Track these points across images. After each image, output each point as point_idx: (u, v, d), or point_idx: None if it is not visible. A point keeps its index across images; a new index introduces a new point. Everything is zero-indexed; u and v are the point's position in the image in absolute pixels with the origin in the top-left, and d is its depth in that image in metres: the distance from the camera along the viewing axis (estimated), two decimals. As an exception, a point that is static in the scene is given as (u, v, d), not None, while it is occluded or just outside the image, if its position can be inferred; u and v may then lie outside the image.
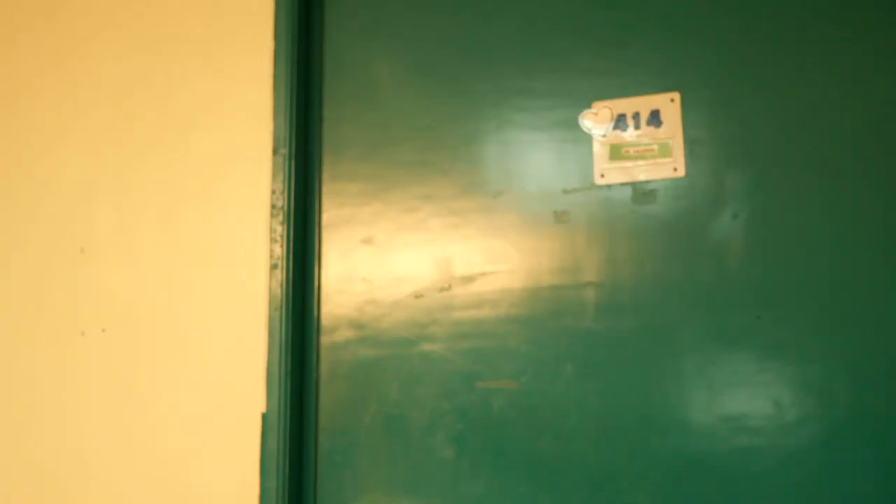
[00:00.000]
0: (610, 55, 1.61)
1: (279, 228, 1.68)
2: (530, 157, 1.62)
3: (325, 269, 1.71)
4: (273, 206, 1.70)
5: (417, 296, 1.62)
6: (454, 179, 1.66)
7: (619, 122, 1.58)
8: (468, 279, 1.61)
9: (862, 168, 1.48)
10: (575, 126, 1.61)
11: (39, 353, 1.80)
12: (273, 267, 1.67)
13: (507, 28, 1.67)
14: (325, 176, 1.74)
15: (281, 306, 1.65)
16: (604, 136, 1.59)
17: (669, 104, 1.56)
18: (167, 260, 1.76)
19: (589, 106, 1.61)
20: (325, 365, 1.67)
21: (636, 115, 1.58)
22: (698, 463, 1.45)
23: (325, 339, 1.68)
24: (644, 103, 1.58)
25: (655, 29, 1.60)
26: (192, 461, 1.67)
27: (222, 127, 1.78)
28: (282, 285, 1.66)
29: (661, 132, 1.56)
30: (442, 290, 1.62)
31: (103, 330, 1.77)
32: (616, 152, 1.58)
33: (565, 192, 1.59)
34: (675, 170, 1.54)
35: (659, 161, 1.56)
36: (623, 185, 1.57)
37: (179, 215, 1.77)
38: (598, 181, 1.58)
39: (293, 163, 1.71)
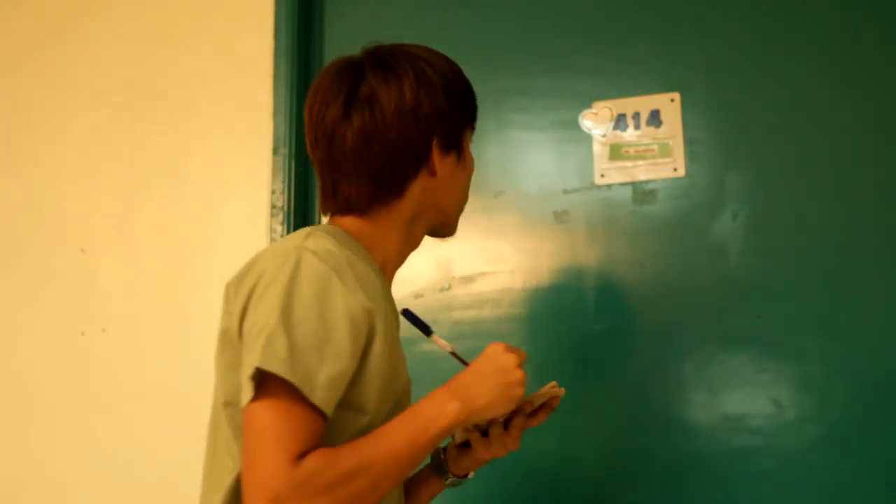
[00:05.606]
0: (610, 55, 1.61)
1: (279, 228, 1.67)
2: (530, 157, 1.62)
3: (325, 269, 1.70)
4: (273, 206, 1.69)
5: (417, 296, 1.62)
6: (454, 179, 1.65)
7: (619, 122, 1.58)
8: (468, 279, 1.61)
9: (861, 168, 1.48)
10: (575, 126, 1.61)
11: (39, 353, 1.79)
12: (273, 267, 1.66)
13: (507, 28, 1.67)
14: (325, 176, 1.74)
15: (281, 306, 1.64)
16: (604, 136, 1.59)
17: (669, 104, 1.56)
18: (167, 260, 1.76)
19: (589, 106, 1.60)
20: (325, 365, 1.66)
21: (636, 115, 1.58)
22: (698, 463, 1.45)
23: (325, 339, 1.67)
24: (644, 103, 1.57)
25: (655, 29, 1.60)
26: (192, 461, 1.67)
27: (222, 126, 1.77)
28: (282, 285, 1.65)
29: (661, 132, 1.56)
30: (442, 290, 1.62)
31: (103, 330, 1.77)
32: (616, 152, 1.58)
33: (565, 192, 1.59)
34: (675, 170, 1.54)
35: (659, 161, 1.55)
36: (623, 185, 1.56)
37: (179, 215, 1.77)
38: (598, 181, 1.58)
39: (293, 163, 1.70)
